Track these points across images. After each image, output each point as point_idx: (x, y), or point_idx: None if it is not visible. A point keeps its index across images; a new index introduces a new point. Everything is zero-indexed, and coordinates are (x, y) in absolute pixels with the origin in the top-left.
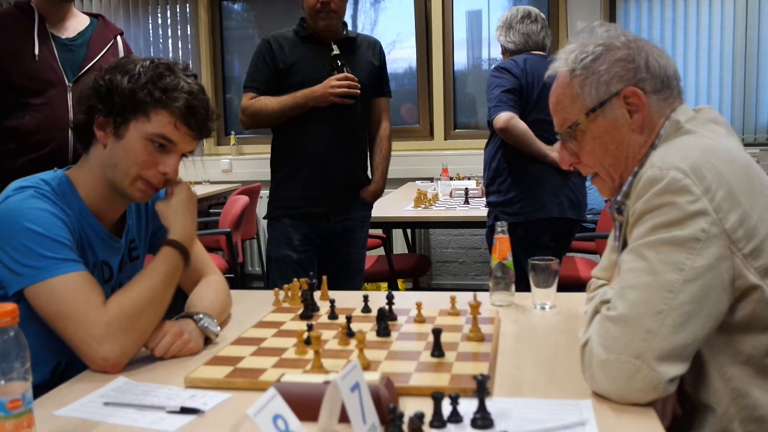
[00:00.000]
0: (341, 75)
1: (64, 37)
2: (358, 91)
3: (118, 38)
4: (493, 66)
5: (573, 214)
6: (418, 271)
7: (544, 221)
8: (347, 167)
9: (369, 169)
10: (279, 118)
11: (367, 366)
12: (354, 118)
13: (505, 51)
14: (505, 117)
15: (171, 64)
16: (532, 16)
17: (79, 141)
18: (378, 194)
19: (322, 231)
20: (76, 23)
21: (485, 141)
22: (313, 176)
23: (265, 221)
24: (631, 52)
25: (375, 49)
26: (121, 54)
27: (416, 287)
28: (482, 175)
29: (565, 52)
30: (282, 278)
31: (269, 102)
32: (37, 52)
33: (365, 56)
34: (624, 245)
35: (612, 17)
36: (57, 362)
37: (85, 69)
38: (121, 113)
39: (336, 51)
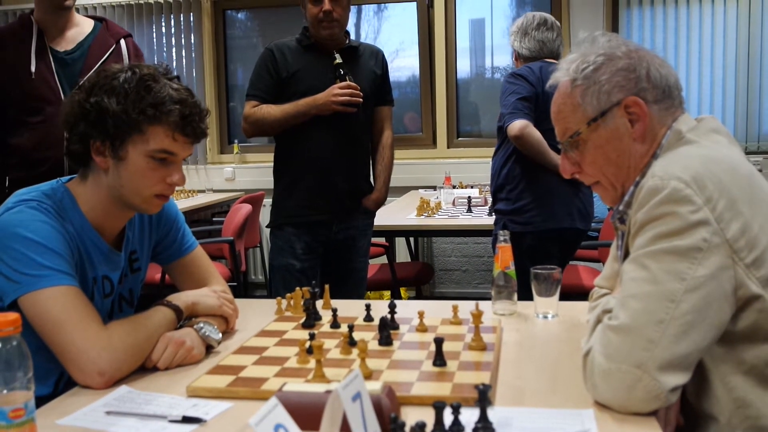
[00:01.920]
0: (344, 83)
1: (62, 50)
2: (361, 100)
3: (122, 42)
4: (507, 72)
5: (582, 224)
6: (420, 280)
7: (553, 231)
8: (350, 175)
9: (371, 177)
10: (281, 126)
11: (368, 375)
12: (356, 126)
13: (519, 57)
14: (520, 125)
15: (153, 71)
16: (548, 24)
17: (76, 166)
18: (380, 202)
19: (324, 239)
20: (77, 32)
21: (489, 149)
22: (315, 184)
23: (268, 230)
24: (632, 61)
25: (377, 57)
26: (125, 58)
27: (419, 296)
28: (489, 182)
29: (567, 62)
30: (285, 287)
31: (272, 110)
32: (33, 69)
33: (368, 65)
34: (626, 255)
35: (615, 25)
36: (60, 374)
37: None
38: (117, 136)
39: (338, 60)
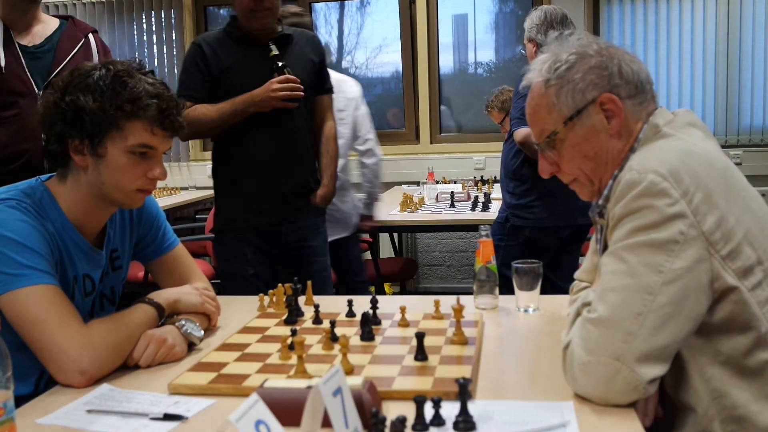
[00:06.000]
0: (282, 77)
1: (30, 44)
2: (302, 94)
3: (90, 37)
4: (524, 70)
5: (584, 219)
6: (404, 275)
7: (550, 228)
8: (294, 173)
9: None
10: (219, 127)
11: (350, 370)
12: (298, 120)
13: (533, 41)
14: (524, 133)
15: (127, 66)
16: (567, 20)
17: (55, 167)
18: (328, 198)
19: (275, 242)
20: (44, 28)
21: (471, 145)
22: (259, 186)
23: None
24: (603, 59)
25: (313, 44)
26: (95, 53)
27: (403, 291)
28: (500, 168)
29: (539, 63)
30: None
31: (207, 111)
32: (3, 64)
33: (303, 53)
34: (605, 248)
35: (596, 20)
36: (40, 373)
37: (54, 74)
38: (96, 133)
39: (275, 51)
